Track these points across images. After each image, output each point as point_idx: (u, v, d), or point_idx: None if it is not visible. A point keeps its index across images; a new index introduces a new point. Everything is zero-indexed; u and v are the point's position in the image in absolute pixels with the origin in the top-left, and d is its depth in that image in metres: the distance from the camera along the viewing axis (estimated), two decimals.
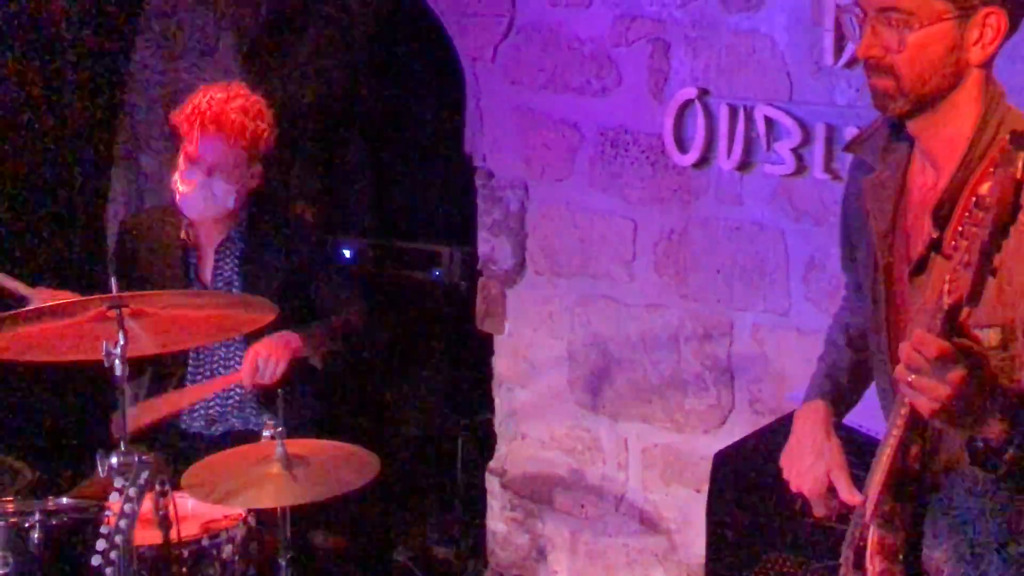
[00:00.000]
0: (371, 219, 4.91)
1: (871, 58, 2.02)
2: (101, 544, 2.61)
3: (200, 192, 3.47)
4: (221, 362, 3.68)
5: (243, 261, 3.60)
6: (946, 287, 1.74)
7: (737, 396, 3.59)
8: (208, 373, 3.69)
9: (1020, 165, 1.70)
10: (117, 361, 2.73)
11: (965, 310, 1.74)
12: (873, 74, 2.04)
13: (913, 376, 1.78)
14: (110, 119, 4.74)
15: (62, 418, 4.15)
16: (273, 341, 3.37)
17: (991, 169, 1.76)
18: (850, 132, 3.17)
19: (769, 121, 3.39)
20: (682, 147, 3.54)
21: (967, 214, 1.74)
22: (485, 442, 4.17)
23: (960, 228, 1.74)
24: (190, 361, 3.68)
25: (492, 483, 4.10)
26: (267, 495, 2.97)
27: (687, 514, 3.68)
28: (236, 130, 3.41)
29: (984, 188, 1.73)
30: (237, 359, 3.63)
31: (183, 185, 3.50)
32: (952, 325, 1.74)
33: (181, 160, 3.50)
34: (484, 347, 4.09)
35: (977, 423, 1.83)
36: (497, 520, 4.10)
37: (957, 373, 1.75)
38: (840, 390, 2.36)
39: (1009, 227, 1.71)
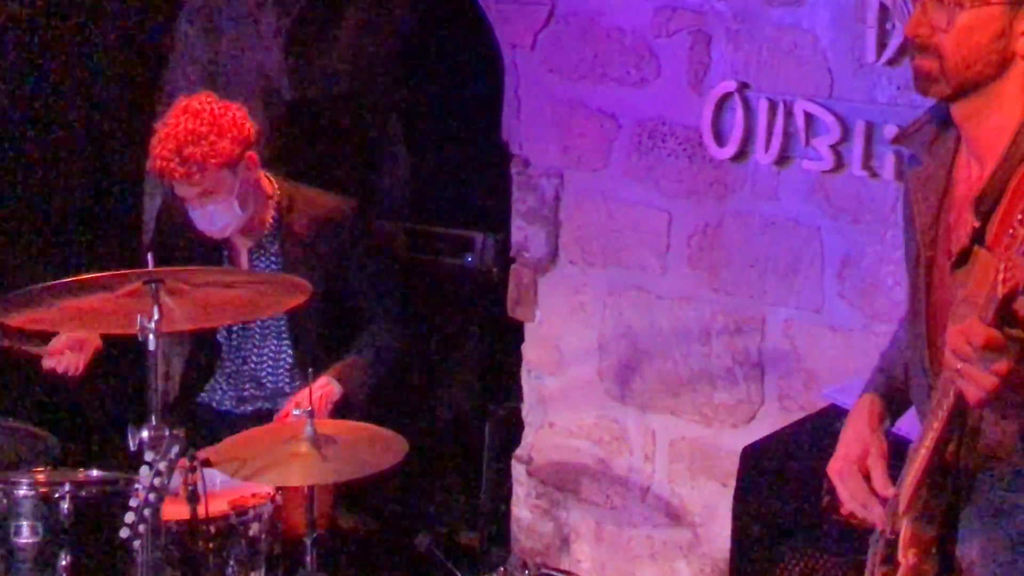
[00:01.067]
0: (406, 203, 4.90)
1: (918, 36, 2.02)
2: (130, 517, 2.64)
3: (206, 219, 3.46)
4: (255, 347, 3.72)
5: (280, 264, 3.59)
6: (1001, 276, 1.72)
7: (767, 392, 3.58)
8: (242, 356, 3.72)
9: None
10: (151, 336, 2.74)
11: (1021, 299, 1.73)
12: (918, 54, 2.03)
13: (962, 364, 1.78)
14: (150, 97, 4.74)
15: (93, 391, 4.17)
16: (315, 396, 3.30)
17: None
18: (889, 130, 3.15)
19: (808, 117, 3.37)
20: (720, 140, 3.53)
21: (1021, 211, 1.73)
22: (512, 429, 4.16)
23: (1020, 216, 1.73)
24: (224, 346, 3.71)
25: (518, 470, 4.11)
26: (295, 473, 2.99)
27: (713, 508, 3.68)
28: (198, 162, 3.30)
29: None
30: (272, 347, 3.66)
31: (193, 217, 3.50)
32: (1005, 314, 1.73)
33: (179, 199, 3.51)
34: (514, 334, 4.09)
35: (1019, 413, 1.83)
36: (522, 507, 4.10)
37: (1005, 362, 1.74)
38: (894, 384, 2.32)
39: None
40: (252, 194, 3.50)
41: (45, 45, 4.38)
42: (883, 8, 3.22)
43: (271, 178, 3.62)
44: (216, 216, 3.44)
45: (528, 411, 4.07)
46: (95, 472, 3.16)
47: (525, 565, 4.02)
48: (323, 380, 3.43)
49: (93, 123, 4.61)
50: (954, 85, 2.02)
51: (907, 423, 2.30)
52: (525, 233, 3.96)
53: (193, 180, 3.33)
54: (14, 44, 4.29)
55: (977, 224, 2.01)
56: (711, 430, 3.68)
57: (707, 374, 3.67)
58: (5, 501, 3.02)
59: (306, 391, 3.39)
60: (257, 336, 3.69)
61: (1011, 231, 1.74)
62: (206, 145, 3.34)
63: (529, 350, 4.03)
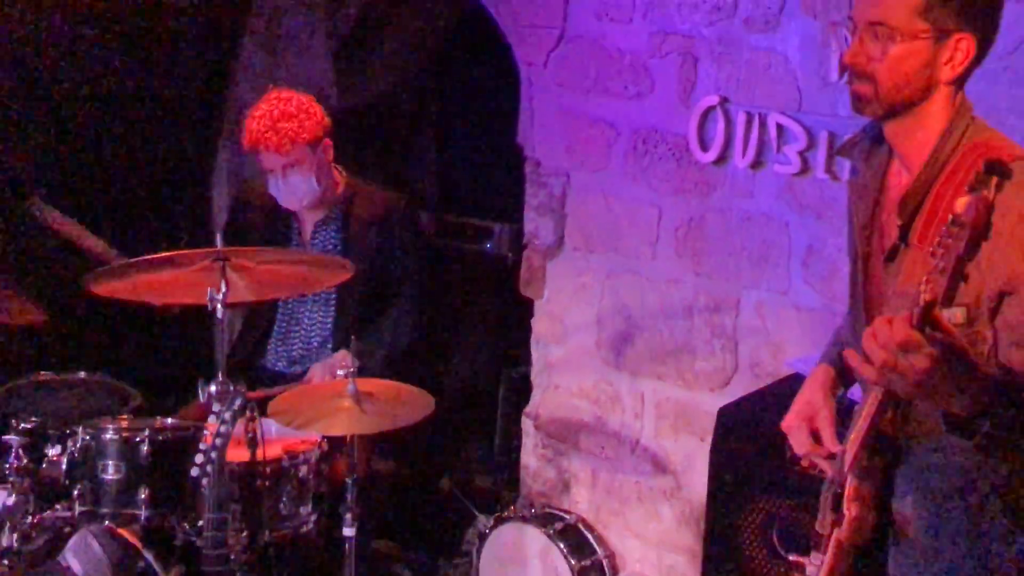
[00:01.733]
0: (435, 197, 4.90)
1: (855, 65, 2.01)
2: (199, 459, 2.67)
3: (286, 191, 3.51)
4: (308, 314, 3.72)
5: (341, 239, 3.62)
6: (923, 287, 1.71)
7: (740, 361, 3.57)
8: (295, 323, 3.73)
9: (992, 189, 1.70)
10: (219, 306, 2.77)
11: (940, 309, 1.71)
12: (855, 80, 2.02)
13: (881, 359, 1.73)
14: (218, 105, 4.77)
15: (168, 351, 4.19)
16: (336, 366, 3.36)
17: (965, 188, 1.74)
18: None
19: (780, 127, 3.36)
20: (704, 146, 3.51)
21: (945, 228, 1.72)
22: (523, 390, 4.16)
23: (939, 240, 1.72)
24: (279, 314, 3.73)
25: (527, 425, 4.11)
26: (339, 424, 3.00)
27: (692, 459, 3.67)
28: (286, 138, 3.41)
29: (960, 206, 1.71)
30: (320, 315, 3.68)
31: (272, 189, 3.54)
32: (926, 320, 1.71)
33: (264, 171, 3.54)
34: (525, 310, 4.08)
35: (946, 399, 1.80)
36: (530, 456, 4.10)
37: (923, 360, 1.71)
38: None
39: (982, 242, 1.69)
40: (325, 174, 3.56)
41: (135, 60, 4.40)
42: (834, 25, 3.21)
43: (340, 170, 3.67)
44: (296, 186, 3.49)
45: (536, 375, 4.08)
46: (170, 420, 3.19)
47: (532, 505, 4.01)
48: (342, 354, 3.47)
49: (173, 126, 4.63)
50: (886, 107, 2.01)
51: (859, 389, 2.31)
52: (536, 224, 3.96)
53: (283, 150, 3.40)
54: (112, 61, 4.30)
55: (900, 223, 2.01)
56: (691, 393, 3.68)
57: (689, 345, 3.66)
58: (94, 443, 3.05)
59: (327, 362, 3.44)
60: (309, 306, 3.71)
61: (935, 247, 1.72)
62: (296, 123, 3.42)
63: (538, 323, 4.03)
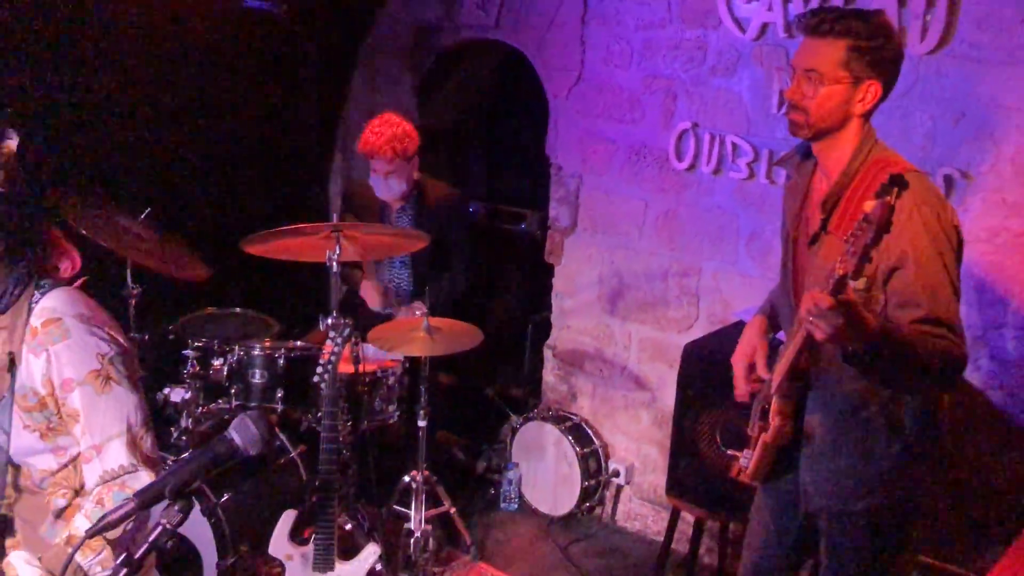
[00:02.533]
0: (484, 191, 4.90)
1: (793, 99, 2.00)
2: (319, 370, 2.69)
3: (384, 188, 3.51)
4: (391, 272, 3.73)
5: (414, 220, 3.61)
6: (838, 264, 1.70)
7: (700, 311, 3.57)
8: (383, 277, 3.71)
9: (894, 196, 1.69)
10: (334, 263, 2.79)
11: (849, 281, 1.72)
12: (792, 110, 2.01)
13: (812, 317, 1.75)
14: (333, 122, 4.76)
15: (297, 293, 4.22)
16: (412, 310, 3.45)
17: (873, 194, 1.72)
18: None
19: (734, 145, 3.34)
20: (679, 158, 3.50)
21: (856, 223, 1.71)
22: (544, 329, 4.19)
23: (852, 231, 1.71)
24: (380, 270, 3.74)
25: (547, 353, 4.13)
26: (416, 348, 3.04)
27: (663, 380, 3.69)
28: (392, 153, 3.40)
29: (868, 208, 1.70)
30: (398, 273, 3.69)
31: (373, 182, 3.54)
32: (839, 288, 1.71)
33: (371, 169, 3.54)
34: (546, 273, 4.09)
35: (848, 342, 1.81)
36: (549, 375, 4.13)
37: (838, 318, 1.72)
38: (775, 311, 2.32)
39: (884, 234, 1.68)
40: (410, 177, 3.55)
41: (276, 88, 4.38)
42: (778, 69, 3.18)
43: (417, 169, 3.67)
44: (392, 186, 3.51)
45: (554, 318, 4.09)
46: (299, 343, 3.24)
47: (549, 409, 4.04)
48: (418, 303, 3.49)
49: (300, 140, 4.62)
50: (814, 131, 2.00)
51: (782, 334, 2.33)
52: (557, 211, 3.96)
53: (391, 161, 3.41)
54: (262, 88, 4.30)
55: (822, 216, 2.00)
56: (664, 333, 3.68)
57: (664, 299, 3.66)
58: (246, 357, 3.11)
59: (408, 306, 3.46)
60: (394, 264, 3.73)
61: (849, 237, 1.70)
62: (405, 143, 3.43)
63: (557, 282, 4.04)
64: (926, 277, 1.86)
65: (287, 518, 2.70)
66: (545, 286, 4.14)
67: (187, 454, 2.93)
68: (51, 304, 1.79)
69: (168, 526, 1.41)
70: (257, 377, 3.09)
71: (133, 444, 1.81)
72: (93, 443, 1.79)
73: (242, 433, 1.55)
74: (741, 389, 2.22)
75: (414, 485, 3.25)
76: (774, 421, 2.09)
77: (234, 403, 3.11)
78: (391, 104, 4.32)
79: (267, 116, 4.36)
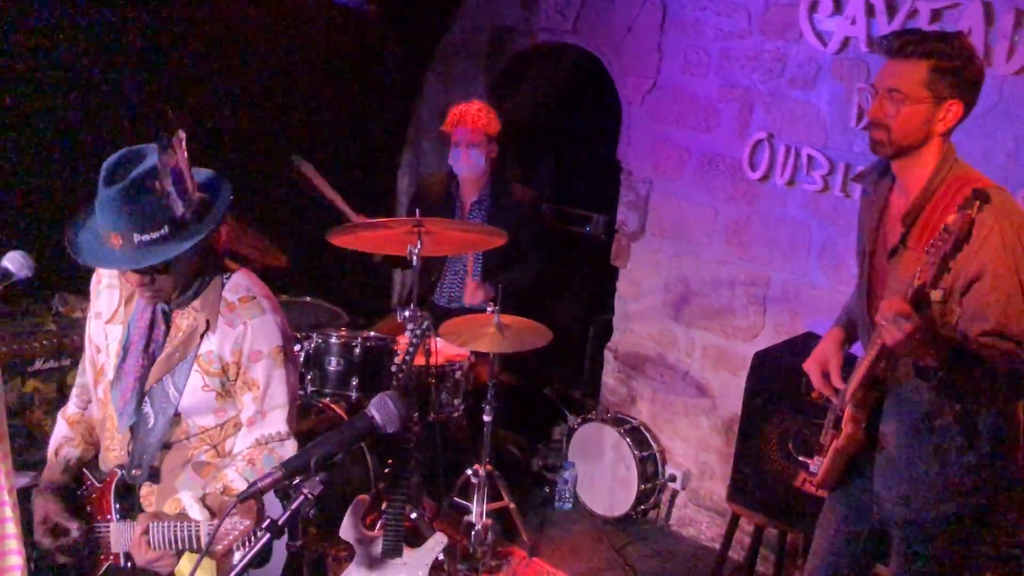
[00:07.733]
0: (553, 193, 4.93)
1: (876, 118, 2.04)
2: (397, 359, 2.78)
3: (463, 159, 3.61)
4: (463, 268, 3.81)
5: (488, 216, 3.69)
6: (918, 273, 1.75)
7: (767, 321, 3.58)
8: (456, 270, 3.79)
9: (975, 209, 1.73)
10: (415, 256, 2.87)
11: (928, 289, 1.77)
12: (874, 129, 2.05)
13: (884, 321, 1.81)
14: (405, 119, 4.83)
15: (371, 286, 4.29)
16: (484, 293, 3.53)
17: (955, 207, 1.77)
18: (860, 169, 3.11)
19: (810, 157, 3.36)
20: (753, 168, 3.52)
21: (937, 234, 1.75)
22: (606, 331, 4.20)
23: (932, 242, 1.76)
24: (447, 266, 3.82)
25: (608, 356, 4.15)
26: (485, 344, 3.10)
27: (725, 387, 3.71)
28: (476, 123, 3.54)
29: (950, 220, 1.75)
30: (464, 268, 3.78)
31: (452, 159, 3.64)
32: (919, 296, 1.76)
33: (451, 146, 3.64)
34: (609, 276, 4.10)
35: (919, 353, 1.86)
36: (609, 377, 4.14)
37: (911, 324, 1.77)
38: (850, 323, 2.35)
39: (964, 245, 1.73)
40: (490, 161, 3.64)
41: (355, 88, 4.46)
42: (861, 89, 3.19)
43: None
44: (471, 158, 3.60)
45: (617, 321, 4.10)
46: (372, 333, 3.29)
47: (608, 411, 4.06)
48: (488, 286, 3.58)
49: (373, 136, 4.70)
50: (895, 149, 2.03)
51: (856, 348, 2.34)
52: (626, 215, 3.98)
53: (474, 128, 3.54)
54: (344, 87, 4.38)
55: (903, 231, 2.05)
56: (729, 341, 3.69)
57: (730, 308, 3.67)
58: (323, 344, 3.18)
59: (477, 289, 3.52)
60: (466, 259, 3.82)
61: (929, 247, 1.75)
62: (485, 118, 3.57)
63: (621, 285, 4.05)
64: (999, 291, 1.89)
65: (359, 504, 2.77)
66: (607, 289, 4.15)
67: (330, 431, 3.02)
68: (244, 283, 2.01)
69: (311, 495, 1.54)
70: (333, 365, 3.16)
71: (291, 416, 2.02)
72: (260, 409, 1.99)
73: (381, 411, 1.67)
74: (817, 386, 2.26)
75: (476, 479, 3.30)
76: (847, 428, 2.13)
77: (309, 389, 3.17)
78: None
79: (345, 110, 4.44)
